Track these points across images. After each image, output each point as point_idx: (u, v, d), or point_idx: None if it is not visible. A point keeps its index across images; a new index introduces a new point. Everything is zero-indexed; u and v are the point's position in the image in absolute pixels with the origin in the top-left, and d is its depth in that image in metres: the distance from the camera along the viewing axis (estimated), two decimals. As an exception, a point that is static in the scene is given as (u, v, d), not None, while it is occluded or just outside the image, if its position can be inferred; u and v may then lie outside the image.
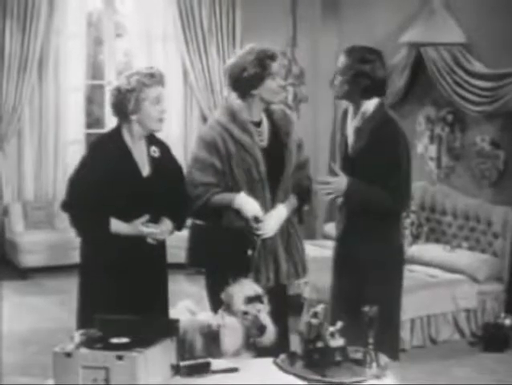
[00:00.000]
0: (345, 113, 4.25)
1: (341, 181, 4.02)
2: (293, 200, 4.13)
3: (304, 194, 4.20)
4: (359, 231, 4.09)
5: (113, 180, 3.74)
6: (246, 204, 3.91)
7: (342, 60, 4.10)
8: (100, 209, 3.72)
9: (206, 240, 4.01)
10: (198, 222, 4.05)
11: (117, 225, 3.77)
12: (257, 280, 3.76)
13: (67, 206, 3.83)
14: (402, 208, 4.23)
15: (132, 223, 3.79)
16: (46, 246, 8.40)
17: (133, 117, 3.81)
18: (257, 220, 3.89)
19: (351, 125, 4.13)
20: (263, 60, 3.97)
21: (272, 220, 3.98)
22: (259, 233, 3.93)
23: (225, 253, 3.90)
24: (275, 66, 4.00)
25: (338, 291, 4.25)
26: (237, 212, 3.93)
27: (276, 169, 4.03)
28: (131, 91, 3.78)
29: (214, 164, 3.96)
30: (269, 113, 4.13)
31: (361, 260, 4.06)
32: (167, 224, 3.88)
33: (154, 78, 3.84)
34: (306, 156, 4.24)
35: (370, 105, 4.09)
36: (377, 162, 3.99)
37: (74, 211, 3.80)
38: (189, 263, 4.11)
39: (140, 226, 3.79)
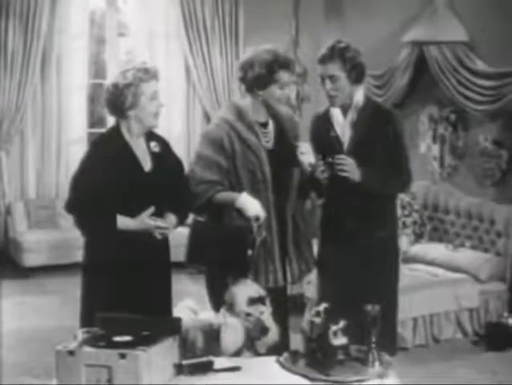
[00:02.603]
0: (323, 117, 4.23)
1: (355, 167, 4.00)
2: None
3: None
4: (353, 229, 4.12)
5: (116, 177, 3.73)
6: (248, 203, 3.88)
7: (333, 66, 4.01)
8: (105, 207, 3.71)
9: (207, 238, 3.98)
10: (199, 219, 4.03)
11: (123, 221, 3.76)
12: (256, 281, 3.76)
13: (70, 207, 3.81)
14: (408, 187, 4.37)
15: (138, 217, 3.78)
16: (48, 245, 8.41)
17: (130, 113, 3.80)
18: (258, 220, 3.87)
19: (347, 121, 4.11)
20: (273, 65, 3.91)
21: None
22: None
23: (224, 252, 3.88)
24: (285, 76, 3.93)
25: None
26: (239, 212, 3.91)
27: (280, 171, 4.02)
28: (128, 86, 3.76)
29: (219, 162, 3.96)
30: (275, 115, 4.11)
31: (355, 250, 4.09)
32: (171, 218, 3.88)
33: (149, 73, 3.81)
34: None
35: (359, 96, 4.10)
36: (383, 147, 4.01)
37: (78, 211, 3.78)
38: (188, 260, 4.08)
39: (147, 219, 3.78)
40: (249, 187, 3.96)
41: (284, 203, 4.06)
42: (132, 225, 3.77)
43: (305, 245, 4.17)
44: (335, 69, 4.02)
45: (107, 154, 3.78)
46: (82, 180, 3.79)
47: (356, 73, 4.04)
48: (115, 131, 3.87)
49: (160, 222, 3.81)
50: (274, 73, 3.92)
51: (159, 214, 3.84)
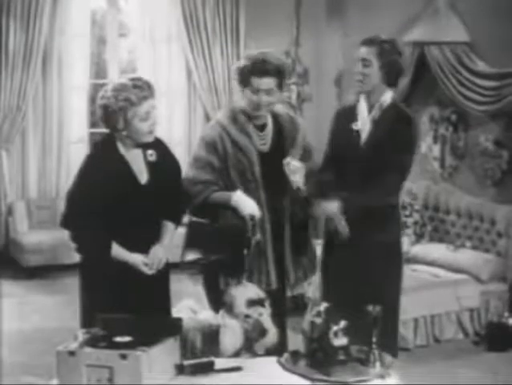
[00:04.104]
0: (348, 111, 4.24)
1: (332, 206, 4.06)
2: None
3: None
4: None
5: (112, 193, 3.68)
6: (243, 202, 3.91)
7: (369, 51, 4.06)
8: (100, 229, 3.67)
9: (203, 238, 3.98)
10: (195, 219, 4.04)
11: (118, 252, 3.74)
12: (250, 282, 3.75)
13: (66, 222, 3.77)
14: (396, 194, 4.31)
15: (135, 255, 3.76)
16: (49, 245, 8.38)
17: (123, 133, 3.75)
18: (253, 219, 3.87)
19: (369, 117, 4.13)
20: (245, 73, 3.98)
21: None
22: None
23: (220, 252, 3.87)
24: (261, 84, 3.95)
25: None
26: (234, 211, 3.92)
27: (276, 173, 4.01)
28: (119, 110, 3.68)
29: (212, 163, 4.00)
30: (275, 117, 4.12)
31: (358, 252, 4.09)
32: (158, 253, 3.84)
33: (142, 92, 3.69)
34: (311, 162, 4.22)
35: (387, 96, 4.13)
36: (396, 149, 4.03)
37: (73, 227, 3.76)
38: (185, 260, 4.07)
39: (142, 266, 3.77)
40: (240, 187, 3.98)
41: (280, 205, 4.06)
42: (124, 257, 3.75)
43: (305, 249, 4.18)
44: (369, 53, 4.06)
45: (103, 168, 3.73)
46: (76, 197, 3.75)
47: (390, 68, 4.06)
48: (110, 141, 3.81)
49: (149, 269, 3.79)
50: (248, 80, 3.97)
51: (155, 223, 3.83)
